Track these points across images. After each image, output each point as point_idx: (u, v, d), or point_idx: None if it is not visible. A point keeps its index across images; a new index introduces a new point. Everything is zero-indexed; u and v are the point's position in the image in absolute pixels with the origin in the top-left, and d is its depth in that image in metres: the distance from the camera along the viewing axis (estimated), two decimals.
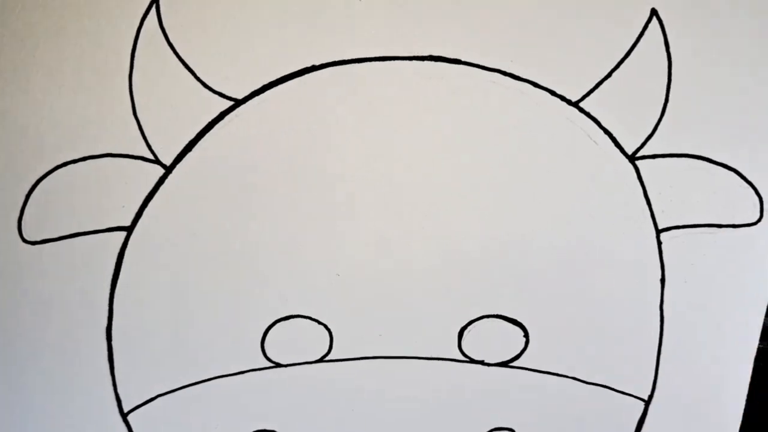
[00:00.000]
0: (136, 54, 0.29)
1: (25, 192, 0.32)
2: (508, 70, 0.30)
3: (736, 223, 0.33)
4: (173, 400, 0.38)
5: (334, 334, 0.36)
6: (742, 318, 0.36)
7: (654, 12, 0.29)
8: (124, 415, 0.38)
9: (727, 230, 0.34)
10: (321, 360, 0.37)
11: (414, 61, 0.30)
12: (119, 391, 0.37)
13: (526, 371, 0.37)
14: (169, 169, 0.31)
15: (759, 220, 0.33)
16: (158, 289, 0.34)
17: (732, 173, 0.32)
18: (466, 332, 0.36)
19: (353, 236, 0.33)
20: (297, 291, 0.35)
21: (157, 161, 0.31)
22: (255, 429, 0.39)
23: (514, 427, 0.39)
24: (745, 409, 0.38)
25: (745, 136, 0.32)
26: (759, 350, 0.37)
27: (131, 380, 0.37)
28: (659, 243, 0.34)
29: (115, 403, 0.38)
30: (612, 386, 0.38)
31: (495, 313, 0.36)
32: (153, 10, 0.29)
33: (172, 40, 0.29)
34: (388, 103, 0.31)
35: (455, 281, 0.35)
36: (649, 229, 0.34)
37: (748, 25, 0.30)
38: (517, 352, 0.37)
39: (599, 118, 0.31)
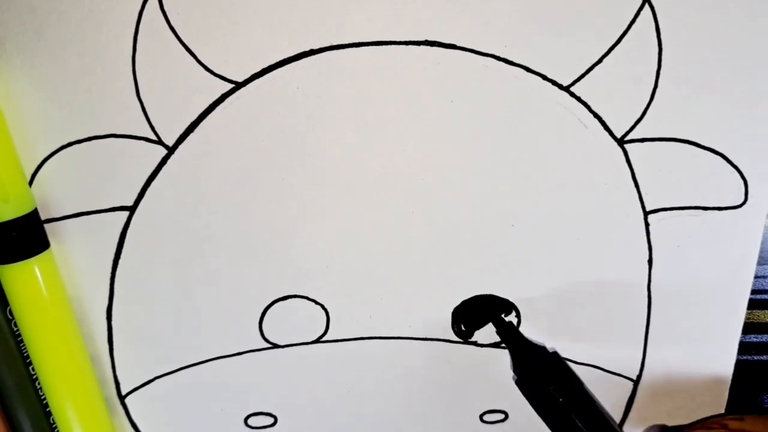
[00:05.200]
0: (138, 37, 0.29)
1: (31, 172, 0.32)
2: (501, 55, 0.31)
3: (722, 205, 0.34)
4: (171, 381, 0.38)
5: (330, 314, 0.37)
6: (726, 298, 0.36)
7: None
8: (122, 398, 0.38)
9: (712, 212, 0.34)
10: (318, 340, 0.37)
11: (410, 46, 0.30)
12: (118, 373, 0.38)
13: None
14: (171, 150, 0.32)
15: (744, 203, 0.34)
16: (158, 269, 0.35)
17: (718, 157, 0.33)
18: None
19: (350, 217, 0.34)
20: (295, 271, 0.35)
21: (159, 142, 0.32)
22: (253, 410, 0.40)
23: (506, 409, 0.40)
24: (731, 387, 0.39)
25: (732, 122, 0.32)
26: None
27: (130, 362, 0.38)
28: (647, 225, 0.35)
29: (114, 385, 0.38)
30: (602, 366, 0.39)
31: (487, 294, 0.36)
32: None
33: (173, 24, 0.29)
34: (384, 87, 0.31)
35: (448, 263, 0.35)
36: (637, 211, 0.34)
37: (738, 12, 0.30)
38: None
39: (590, 102, 0.32)
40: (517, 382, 0.33)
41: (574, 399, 0.31)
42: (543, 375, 0.32)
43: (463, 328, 0.37)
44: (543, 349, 0.33)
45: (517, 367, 0.33)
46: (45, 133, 0.31)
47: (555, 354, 0.33)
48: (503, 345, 0.38)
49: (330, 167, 0.33)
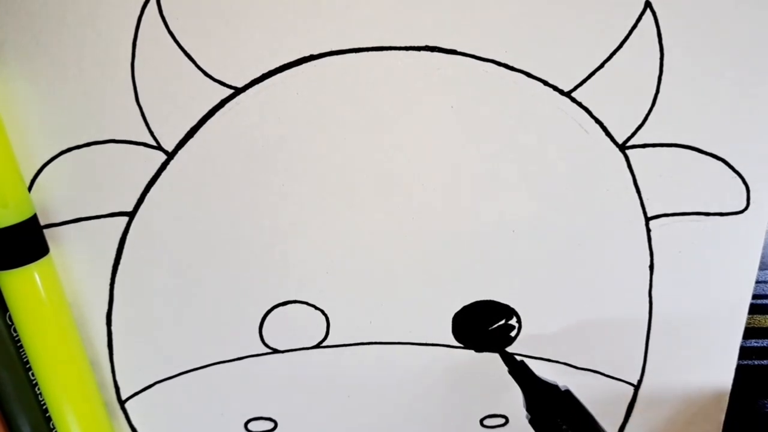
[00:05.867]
0: (138, 42, 0.29)
1: (30, 177, 0.32)
2: (502, 61, 0.31)
3: (724, 211, 0.34)
4: (171, 386, 0.38)
5: (330, 319, 0.36)
6: (728, 304, 0.36)
7: (648, 4, 0.30)
8: (121, 403, 0.38)
9: (714, 218, 0.34)
10: (318, 346, 0.37)
11: (410, 52, 0.30)
12: (117, 378, 0.38)
13: (519, 356, 0.38)
14: (171, 155, 0.32)
15: (746, 209, 0.34)
16: (158, 274, 0.35)
17: (720, 163, 0.33)
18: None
19: (350, 223, 0.34)
20: (295, 277, 0.35)
21: (159, 147, 0.32)
22: (252, 415, 0.40)
23: (507, 414, 0.40)
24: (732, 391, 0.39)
25: (734, 127, 0.32)
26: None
27: (130, 367, 0.38)
28: (648, 230, 0.35)
29: (113, 390, 0.38)
30: (602, 371, 0.39)
31: (488, 299, 0.36)
32: None
33: (172, 29, 0.29)
34: (384, 93, 0.31)
35: (449, 268, 0.35)
36: (639, 217, 0.34)
37: (740, 18, 0.30)
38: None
39: (591, 108, 0.32)
40: (531, 421, 0.33)
41: None
42: (557, 414, 0.32)
43: (463, 333, 0.37)
44: (555, 387, 0.34)
45: (530, 407, 0.33)
46: (44, 139, 0.31)
47: (567, 392, 0.33)
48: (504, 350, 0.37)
49: (330, 173, 0.33)
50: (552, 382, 0.34)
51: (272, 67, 0.30)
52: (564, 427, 0.32)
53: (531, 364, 0.37)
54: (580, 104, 0.31)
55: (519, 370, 0.35)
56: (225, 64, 0.30)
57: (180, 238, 0.34)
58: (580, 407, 0.33)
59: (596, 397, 0.39)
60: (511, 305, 0.36)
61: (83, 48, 0.29)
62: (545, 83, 0.31)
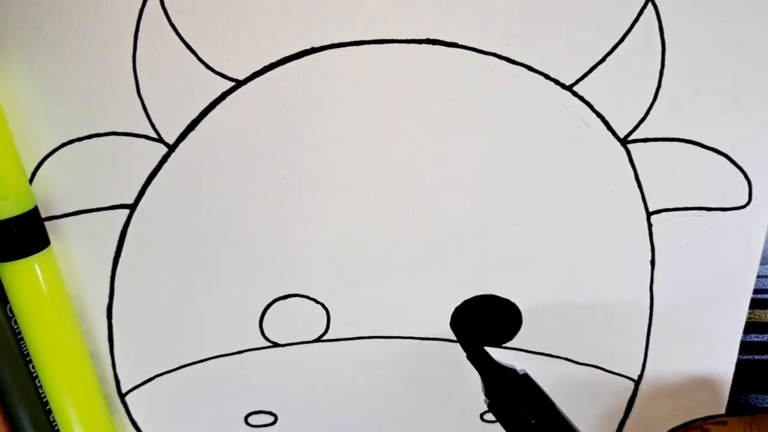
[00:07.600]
0: (139, 34, 0.29)
1: (32, 170, 0.32)
2: (503, 54, 0.31)
3: (725, 206, 0.34)
4: (171, 379, 0.38)
5: (331, 313, 0.36)
6: (729, 299, 0.36)
7: None
8: (122, 396, 0.39)
9: (716, 213, 0.34)
10: (318, 339, 0.37)
11: (412, 45, 0.30)
12: (118, 371, 0.38)
13: (519, 352, 0.38)
14: (172, 148, 0.32)
15: (747, 204, 0.34)
16: (159, 267, 0.35)
17: (722, 157, 0.33)
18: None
19: (351, 216, 0.34)
20: (295, 270, 0.35)
21: (160, 140, 0.32)
22: (253, 408, 0.40)
23: None
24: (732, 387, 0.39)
25: (736, 122, 0.32)
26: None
27: (130, 360, 0.38)
28: (649, 225, 0.35)
29: (114, 383, 0.38)
30: (603, 366, 0.39)
31: (488, 294, 0.36)
32: None
33: (174, 21, 0.29)
34: (386, 86, 0.31)
35: (449, 262, 0.35)
36: (640, 212, 0.34)
37: (743, 11, 0.30)
38: None
39: (592, 102, 0.31)
40: (490, 406, 0.33)
41: (546, 420, 0.31)
42: (514, 398, 0.32)
43: (464, 328, 0.37)
44: (513, 371, 0.33)
45: (489, 391, 0.33)
46: (45, 131, 0.31)
47: (525, 376, 0.33)
48: (504, 345, 0.37)
49: (331, 166, 0.33)
50: (510, 366, 0.34)
51: (274, 60, 0.30)
52: (523, 410, 0.31)
53: (530, 360, 0.37)
54: (581, 98, 0.31)
55: (477, 355, 0.34)
56: (226, 57, 0.30)
57: (181, 230, 0.34)
58: (538, 391, 0.33)
59: (597, 392, 0.39)
60: (512, 300, 0.36)
61: (85, 40, 0.29)
62: (547, 77, 0.31)
